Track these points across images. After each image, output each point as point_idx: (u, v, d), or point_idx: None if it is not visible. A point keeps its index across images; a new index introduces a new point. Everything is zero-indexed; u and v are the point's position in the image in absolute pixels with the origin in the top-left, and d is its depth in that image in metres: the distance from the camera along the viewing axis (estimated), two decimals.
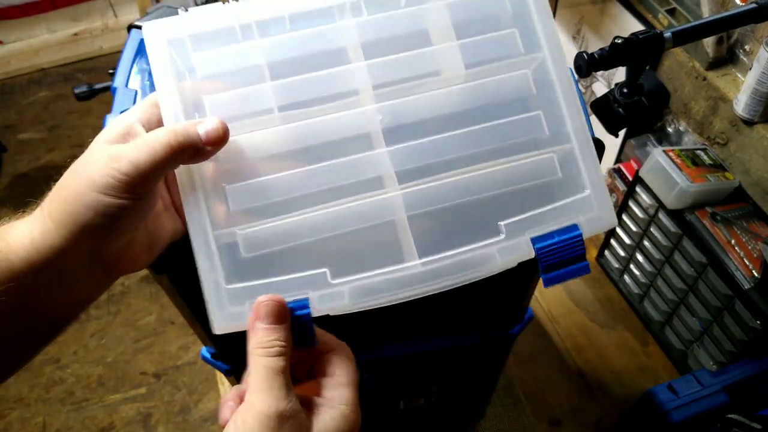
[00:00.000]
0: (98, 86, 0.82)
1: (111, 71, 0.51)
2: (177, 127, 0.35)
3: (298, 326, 0.35)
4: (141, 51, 0.51)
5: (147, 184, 0.34)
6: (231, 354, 0.63)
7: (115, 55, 2.22)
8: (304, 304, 0.36)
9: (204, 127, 0.35)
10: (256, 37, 0.39)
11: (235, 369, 0.65)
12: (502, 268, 0.38)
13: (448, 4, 0.41)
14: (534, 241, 0.37)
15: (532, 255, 0.38)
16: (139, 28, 0.53)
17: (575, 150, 0.39)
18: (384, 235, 0.38)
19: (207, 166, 0.38)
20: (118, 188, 0.33)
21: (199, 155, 0.35)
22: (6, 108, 2.11)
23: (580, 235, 0.37)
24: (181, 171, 0.37)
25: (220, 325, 0.36)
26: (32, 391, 1.38)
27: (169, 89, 0.37)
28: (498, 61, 0.40)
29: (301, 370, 0.39)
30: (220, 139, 0.35)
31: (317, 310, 0.36)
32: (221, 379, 1.04)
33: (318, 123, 0.39)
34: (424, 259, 0.37)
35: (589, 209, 0.38)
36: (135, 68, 0.50)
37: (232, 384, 0.75)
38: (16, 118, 2.07)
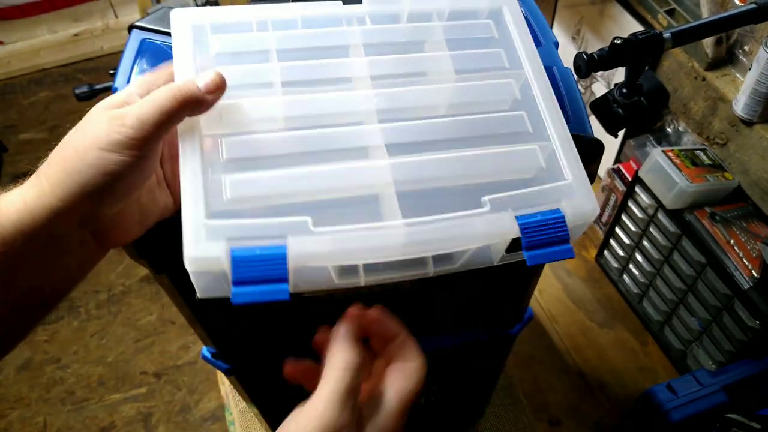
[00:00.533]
0: (99, 86, 0.82)
1: (112, 71, 0.52)
2: (178, 82, 0.37)
3: (270, 271, 0.35)
4: (142, 51, 0.52)
5: (151, 141, 0.35)
6: (231, 354, 0.63)
7: (115, 56, 2.22)
8: (281, 247, 0.35)
9: (202, 78, 0.37)
10: (269, 29, 0.44)
11: (236, 369, 0.65)
12: (485, 241, 0.38)
13: (443, 26, 0.46)
14: (518, 218, 0.38)
15: (516, 230, 0.38)
16: (140, 28, 0.53)
17: (558, 149, 0.42)
18: (370, 198, 0.40)
19: (206, 121, 0.40)
20: (123, 144, 0.33)
21: (201, 105, 0.37)
22: (7, 108, 2.11)
23: (563, 217, 0.39)
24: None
25: (191, 256, 0.35)
26: (33, 390, 1.38)
27: (184, 61, 0.41)
28: (486, 71, 0.45)
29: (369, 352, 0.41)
30: (218, 86, 0.38)
31: (295, 255, 0.35)
32: (222, 378, 1.04)
33: (316, 98, 0.42)
34: (407, 220, 0.38)
35: (571, 196, 0.40)
36: (136, 69, 0.50)
37: (233, 384, 0.76)
38: (16, 118, 2.07)
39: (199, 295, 0.38)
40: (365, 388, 0.39)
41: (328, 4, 0.46)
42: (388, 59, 0.44)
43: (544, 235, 0.38)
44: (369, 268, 0.38)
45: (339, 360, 0.37)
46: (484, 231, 0.38)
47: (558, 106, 0.43)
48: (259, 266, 0.35)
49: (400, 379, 0.38)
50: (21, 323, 0.37)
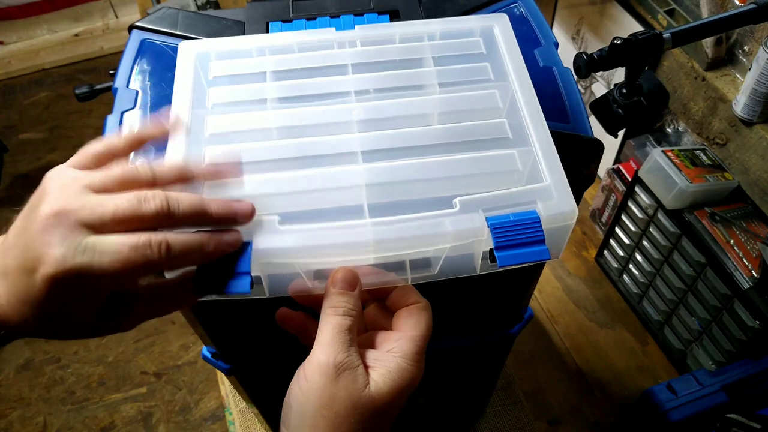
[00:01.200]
0: (99, 87, 0.82)
1: (112, 72, 0.52)
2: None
3: (233, 263, 0.36)
4: (142, 52, 0.52)
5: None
6: (231, 353, 0.63)
7: (116, 56, 2.22)
8: (246, 243, 0.36)
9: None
10: (266, 54, 0.47)
11: (236, 369, 0.65)
12: (455, 241, 0.38)
13: (432, 44, 0.48)
14: (488, 218, 0.38)
15: (486, 230, 0.38)
16: (140, 29, 0.54)
17: (538, 155, 0.41)
18: (340, 202, 0.40)
19: (194, 135, 0.42)
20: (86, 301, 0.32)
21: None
22: (7, 108, 2.11)
23: (538, 218, 0.38)
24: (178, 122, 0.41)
25: None
26: (33, 390, 1.38)
27: (184, 86, 0.44)
28: (470, 84, 0.46)
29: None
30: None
31: (260, 251, 0.36)
32: (222, 378, 1.04)
33: (303, 111, 0.44)
34: (375, 219, 0.38)
35: (548, 197, 0.39)
36: (136, 69, 0.50)
37: (233, 384, 0.76)
38: (17, 119, 2.07)
39: None
40: (371, 336, 0.39)
41: (323, 31, 0.48)
42: (374, 75, 0.46)
43: (517, 236, 0.37)
44: None
45: (333, 303, 0.37)
46: (452, 231, 0.37)
47: (542, 114, 0.43)
48: (224, 260, 0.36)
49: (411, 323, 0.38)
50: None
